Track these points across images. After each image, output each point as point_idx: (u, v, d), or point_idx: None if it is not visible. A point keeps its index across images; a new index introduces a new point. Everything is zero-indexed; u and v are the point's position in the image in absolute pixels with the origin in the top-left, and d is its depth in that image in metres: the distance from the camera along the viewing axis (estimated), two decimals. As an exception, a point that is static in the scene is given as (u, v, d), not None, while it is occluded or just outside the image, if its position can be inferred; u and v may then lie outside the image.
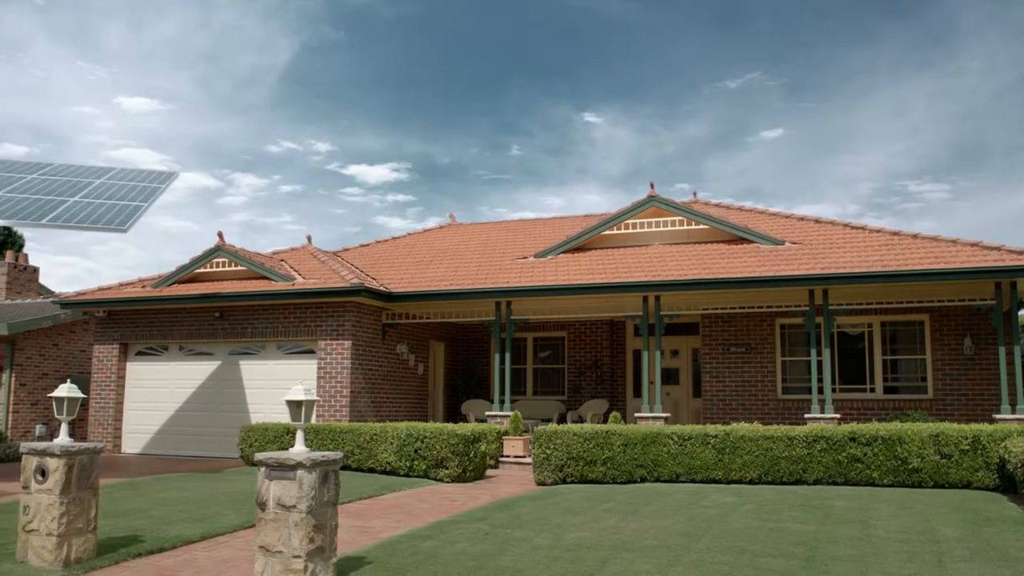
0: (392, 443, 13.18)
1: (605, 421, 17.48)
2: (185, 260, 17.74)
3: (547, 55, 60.50)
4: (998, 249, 13.82)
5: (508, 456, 14.48)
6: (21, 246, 32.94)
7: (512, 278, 16.24)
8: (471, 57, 62.07)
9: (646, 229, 17.27)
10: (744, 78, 55.32)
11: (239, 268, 17.26)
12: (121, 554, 7.16)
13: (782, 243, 15.98)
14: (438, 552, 7.18)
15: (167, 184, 13.07)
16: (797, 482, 11.41)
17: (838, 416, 14.02)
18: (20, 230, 33.19)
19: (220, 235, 17.51)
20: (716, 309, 15.50)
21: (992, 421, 13.56)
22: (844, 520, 8.49)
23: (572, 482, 12.23)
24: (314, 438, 13.78)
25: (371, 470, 13.50)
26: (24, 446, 7.05)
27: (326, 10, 61.91)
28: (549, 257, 17.51)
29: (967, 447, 10.81)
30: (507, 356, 16.09)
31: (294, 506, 5.88)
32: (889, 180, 56.32)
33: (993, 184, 54.84)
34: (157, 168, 14.58)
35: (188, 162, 61.04)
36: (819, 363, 14.76)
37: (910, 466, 10.96)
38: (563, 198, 63.08)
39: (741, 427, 11.94)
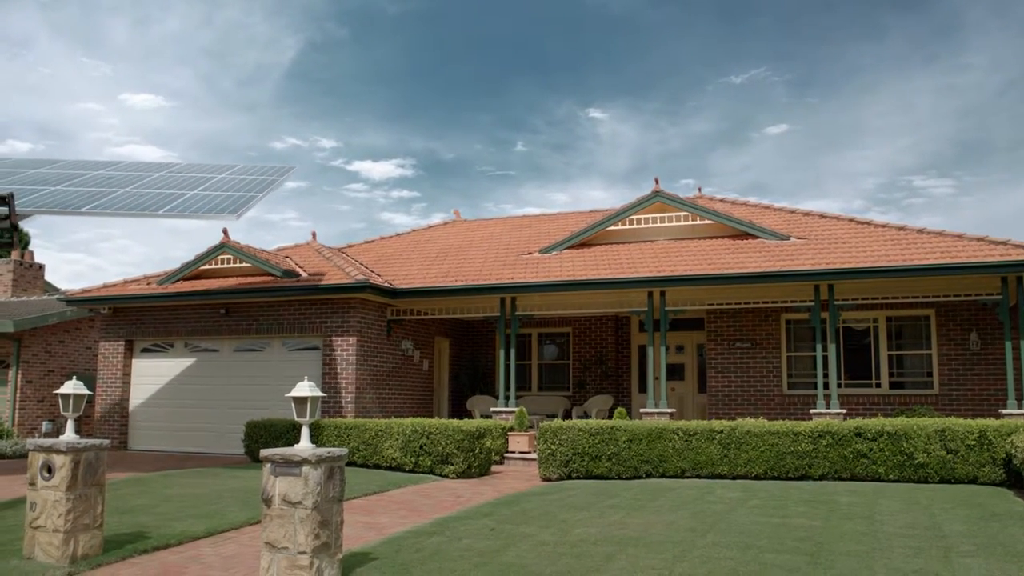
0: (397, 439, 13.20)
1: (610, 417, 17.47)
2: (190, 257, 17.78)
3: (552, 51, 60.44)
4: (1004, 243, 13.77)
5: (513, 452, 14.48)
6: (27, 243, 33.02)
7: (517, 274, 16.22)
8: (476, 53, 62.04)
9: (651, 225, 17.24)
10: (749, 74, 55.20)
11: (244, 265, 17.27)
12: (127, 550, 7.18)
13: (787, 238, 15.94)
14: (443, 548, 7.18)
15: (284, 177, 13.75)
16: (803, 477, 11.40)
17: (844, 411, 13.99)
18: (25, 226, 33.25)
19: (225, 232, 17.52)
20: (721, 304, 15.47)
21: (998, 416, 13.51)
22: (850, 515, 8.47)
23: (577, 478, 12.23)
24: (319, 434, 13.80)
25: (376, 466, 13.51)
26: (30, 443, 7.07)
27: (330, 6, 61.92)
28: (554, 253, 17.50)
29: (973, 442, 10.78)
30: (512, 352, 16.08)
31: (300, 502, 5.89)
32: (894, 175, 56.16)
33: (998, 179, 54.66)
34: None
35: (193, 159, 61.15)
36: (824, 358, 14.73)
37: (916, 461, 10.93)
38: (568, 194, 63.05)
39: (746, 422, 11.92)
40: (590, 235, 17.59)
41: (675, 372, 18.76)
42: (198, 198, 12.32)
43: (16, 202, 11.07)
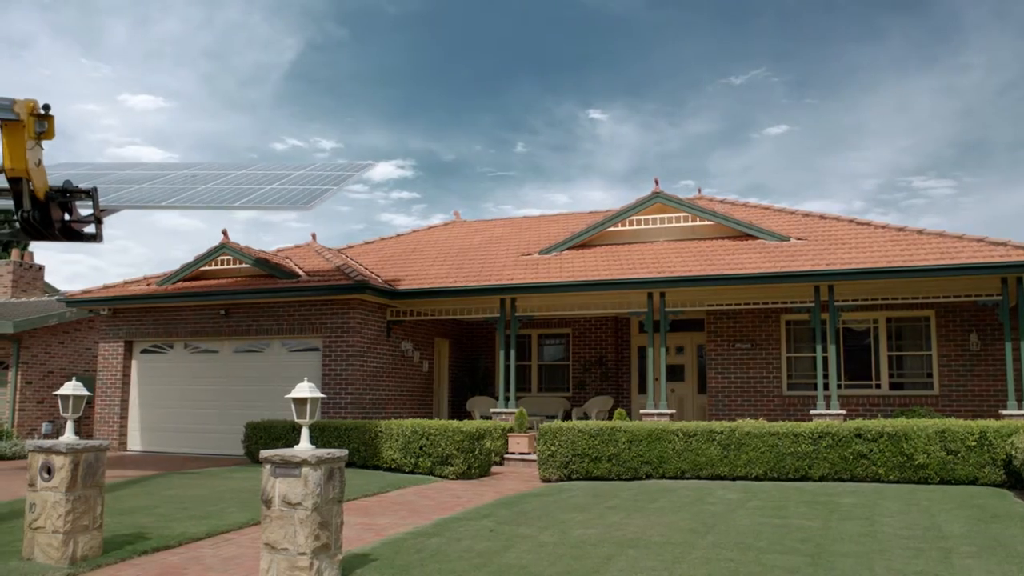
0: (397, 440, 13.19)
1: (610, 418, 17.46)
2: (190, 258, 17.79)
3: (552, 52, 60.46)
4: (1004, 244, 13.77)
5: (513, 453, 14.48)
6: (26, 245, 33.01)
7: (517, 275, 16.22)
8: (476, 54, 62.05)
9: (651, 226, 17.24)
10: (749, 74, 55.22)
11: (244, 265, 17.28)
12: (127, 551, 7.18)
13: (787, 239, 15.94)
14: (443, 549, 7.18)
15: (361, 173, 14.18)
16: (803, 478, 11.39)
17: (844, 412, 13.99)
18: None
19: (225, 233, 17.53)
20: (721, 305, 15.45)
21: (998, 417, 13.51)
22: (850, 516, 8.47)
23: (577, 479, 12.22)
24: (319, 435, 13.79)
25: (376, 467, 13.51)
26: (30, 444, 7.07)
27: (330, 7, 61.95)
28: (554, 254, 17.49)
29: (973, 443, 10.77)
30: (512, 353, 16.07)
31: (299, 503, 5.88)
32: (894, 176, 56.18)
33: (998, 180, 54.67)
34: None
35: (193, 160, 61.07)
36: (824, 359, 14.72)
37: (916, 462, 10.93)
38: (568, 195, 63.06)
39: (746, 423, 11.91)
40: (590, 236, 17.58)
41: (675, 373, 18.75)
42: (274, 191, 12.75)
43: (104, 198, 11.80)
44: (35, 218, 10.40)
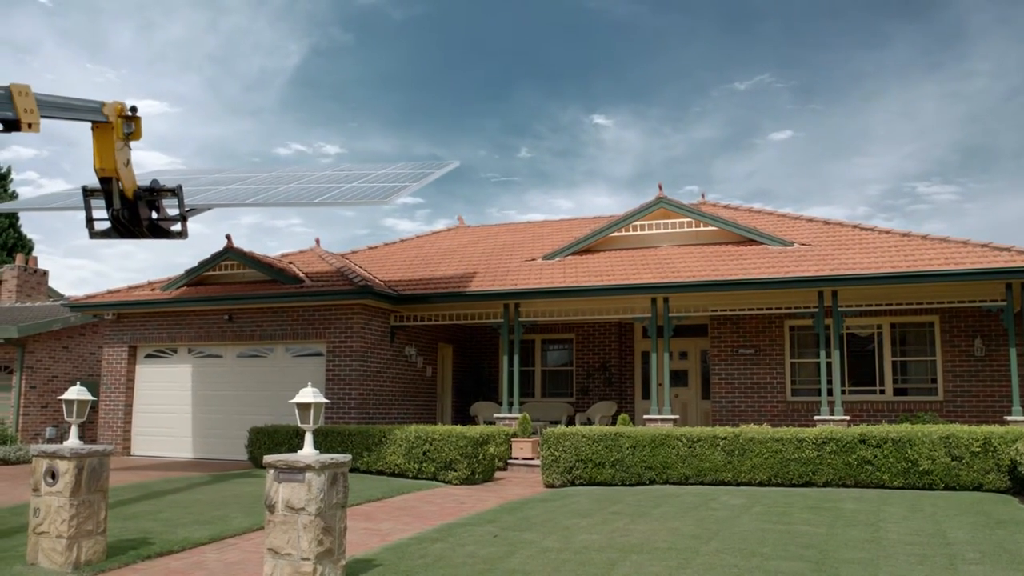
0: (401, 445, 13.19)
1: (613, 423, 17.45)
2: (194, 263, 17.81)
3: (556, 57, 60.54)
4: (1008, 250, 13.74)
5: (517, 458, 14.46)
6: (31, 249, 33.11)
7: (520, 280, 16.22)
8: (480, 59, 62.16)
9: (654, 231, 17.24)
10: (753, 80, 55.24)
11: (248, 271, 17.30)
12: (131, 556, 7.18)
13: (791, 244, 15.93)
14: (447, 554, 7.17)
15: (441, 171, 14.51)
16: (807, 484, 11.36)
17: (848, 418, 13.96)
18: (28, 232, 33.30)
19: (229, 238, 17.56)
20: (725, 311, 15.44)
21: (1003, 423, 13.48)
22: (854, 523, 8.45)
23: (581, 484, 12.21)
24: (323, 440, 13.79)
25: (380, 472, 13.50)
26: (34, 448, 7.08)
27: (335, 12, 62.13)
28: (557, 259, 17.49)
29: (978, 449, 10.75)
30: (515, 358, 16.06)
31: (303, 508, 5.89)
32: (898, 182, 56.13)
33: (1002, 186, 54.59)
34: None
35: (197, 165, 61.23)
36: (828, 365, 14.70)
37: (920, 468, 10.90)
38: (572, 200, 63.08)
39: (750, 429, 11.89)
40: (594, 241, 17.59)
41: (679, 378, 18.72)
42: (354, 189, 13.15)
43: (193, 199, 12.44)
44: (124, 216, 11.01)
